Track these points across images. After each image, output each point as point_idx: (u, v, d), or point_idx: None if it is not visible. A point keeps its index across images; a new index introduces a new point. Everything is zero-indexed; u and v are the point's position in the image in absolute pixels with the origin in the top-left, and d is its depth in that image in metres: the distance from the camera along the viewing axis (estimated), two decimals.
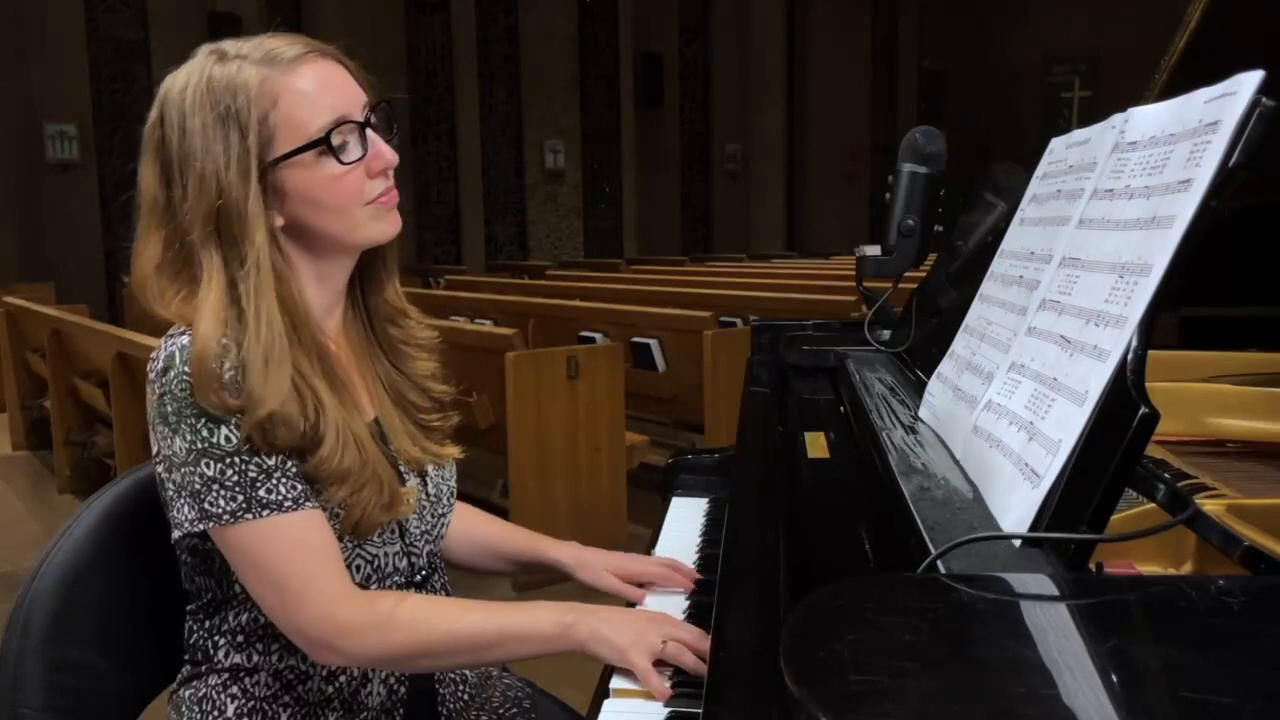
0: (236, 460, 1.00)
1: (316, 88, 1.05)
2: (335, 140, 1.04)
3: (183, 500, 1.01)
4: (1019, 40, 16.06)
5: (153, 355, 1.04)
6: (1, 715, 1.05)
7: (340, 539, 1.07)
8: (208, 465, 0.99)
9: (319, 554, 1.02)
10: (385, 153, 1.09)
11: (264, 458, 1.01)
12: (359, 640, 1.02)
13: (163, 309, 1.05)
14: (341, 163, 1.05)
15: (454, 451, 1.23)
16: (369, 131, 1.08)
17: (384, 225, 1.10)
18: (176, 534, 1.03)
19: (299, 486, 1.02)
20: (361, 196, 1.07)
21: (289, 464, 1.02)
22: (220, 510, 1.00)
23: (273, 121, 1.02)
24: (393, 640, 1.03)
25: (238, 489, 1.00)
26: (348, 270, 1.15)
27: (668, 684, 0.99)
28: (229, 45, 1.07)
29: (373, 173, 1.08)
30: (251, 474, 1.00)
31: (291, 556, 1.01)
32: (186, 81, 1.05)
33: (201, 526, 1.01)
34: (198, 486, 1.00)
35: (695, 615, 1.17)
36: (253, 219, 1.02)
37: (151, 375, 1.03)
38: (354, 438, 1.05)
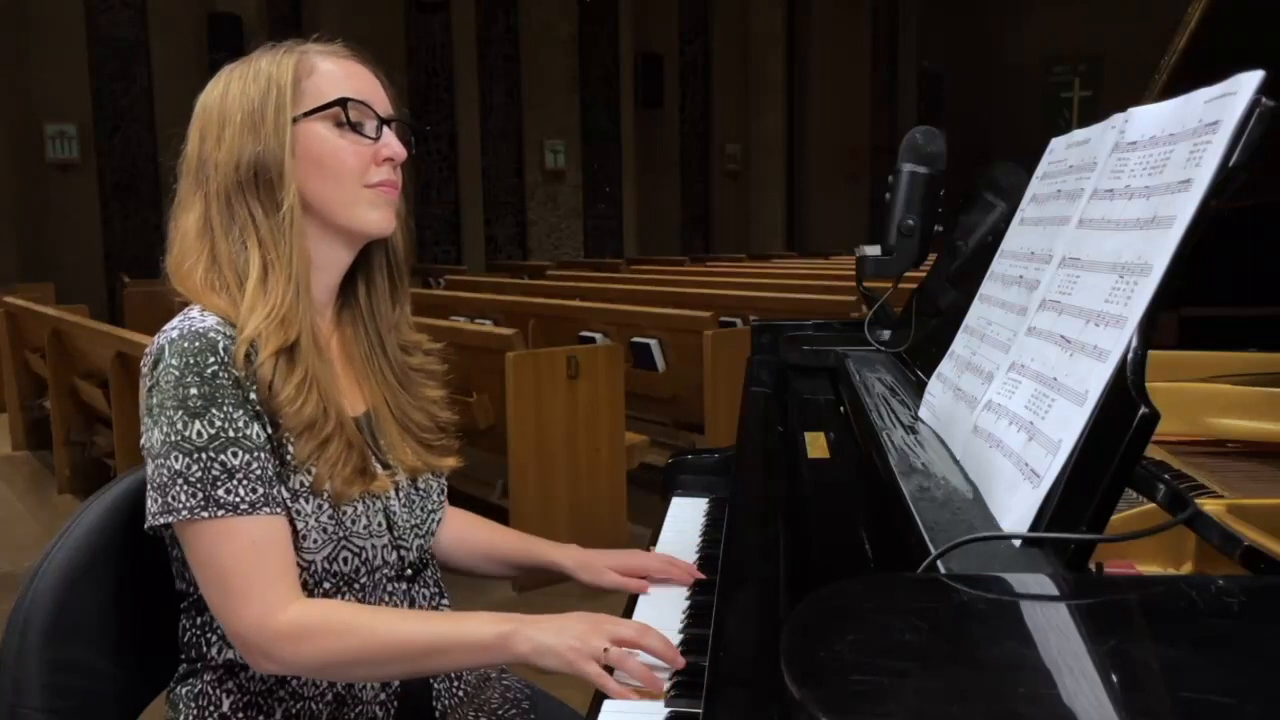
0: (203, 456, 1.01)
1: (348, 73, 1.14)
2: (352, 114, 1.11)
3: (153, 491, 1.03)
4: (1019, 40, 16.07)
5: (146, 350, 1.07)
6: (1, 715, 1.05)
7: (321, 523, 1.07)
8: (176, 459, 1.01)
9: (267, 559, 1.03)
10: (394, 143, 1.14)
11: (230, 456, 1.02)
12: (292, 648, 1.02)
13: (189, 284, 1.10)
14: (355, 130, 1.11)
15: (452, 462, 1.26)
16: (385, 129, 1.13)
17: (377, 215, 1.14)
18: (146, 523, 1.05)
19: (260, 490, 1.03)
20: (363, 176, 1.12)
21: (254, 465, 1.03)
22: (180, 505, 1.01)
23: (304, 87, 1.11)
24: (326, 649, 1.03)
25: (199, 486, 1.01)
26: (343, 266, 1.17)
27: (665, 684, 0.99)
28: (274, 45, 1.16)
29: (379, 159, 1.13)
30: (215, 472, 1.02)
31: (238, 559, 1.02)
32: (235, 64, 1.14)
33: (162, 520, 1.03)
34: (165, 479, 1.02)
35: (695, 615, 1.18)
36: (288, 166, 1.08)
37: (144, 369, 1.06)
38: (320, 389, 1.07)
